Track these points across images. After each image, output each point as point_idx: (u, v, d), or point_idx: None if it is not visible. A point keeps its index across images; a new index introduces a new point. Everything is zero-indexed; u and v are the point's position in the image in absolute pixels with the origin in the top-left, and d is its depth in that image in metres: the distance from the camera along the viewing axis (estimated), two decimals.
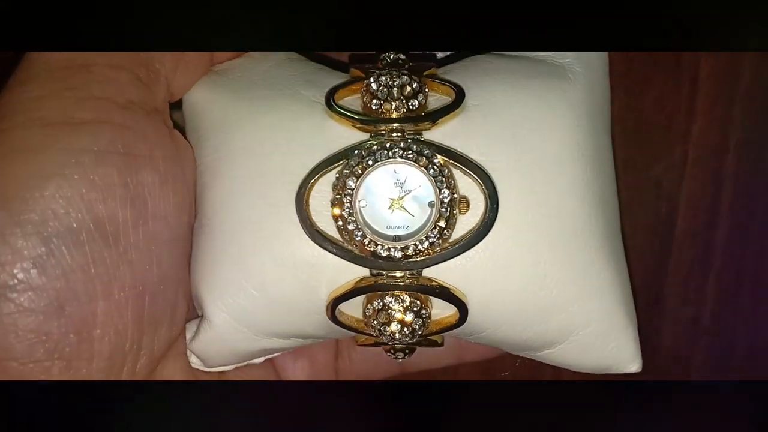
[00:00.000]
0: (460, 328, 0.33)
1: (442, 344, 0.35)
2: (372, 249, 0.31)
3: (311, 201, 0.32)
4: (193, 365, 0.35)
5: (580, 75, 0.34)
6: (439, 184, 0.31)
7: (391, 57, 0.33)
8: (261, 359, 0.37)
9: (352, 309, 0.33)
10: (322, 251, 0.32)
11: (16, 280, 0.28)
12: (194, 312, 0.36)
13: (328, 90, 0.32)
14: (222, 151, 0.33)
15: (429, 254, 0.31)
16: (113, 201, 0.30)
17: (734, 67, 0.44)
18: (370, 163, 0.31)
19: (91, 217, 0.29)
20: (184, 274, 0.34)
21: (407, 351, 0.34)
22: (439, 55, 0.37)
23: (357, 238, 0.31)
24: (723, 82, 0.45)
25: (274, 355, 0.37)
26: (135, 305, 0.31)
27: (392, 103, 0.31)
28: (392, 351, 0.34)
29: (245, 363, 0.36)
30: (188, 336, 0.35)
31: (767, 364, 0.49)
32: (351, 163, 0.31)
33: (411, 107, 0.31)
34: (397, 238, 0.31)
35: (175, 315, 0.34)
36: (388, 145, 0.31)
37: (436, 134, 0.32)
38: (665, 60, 0.45)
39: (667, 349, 0.47)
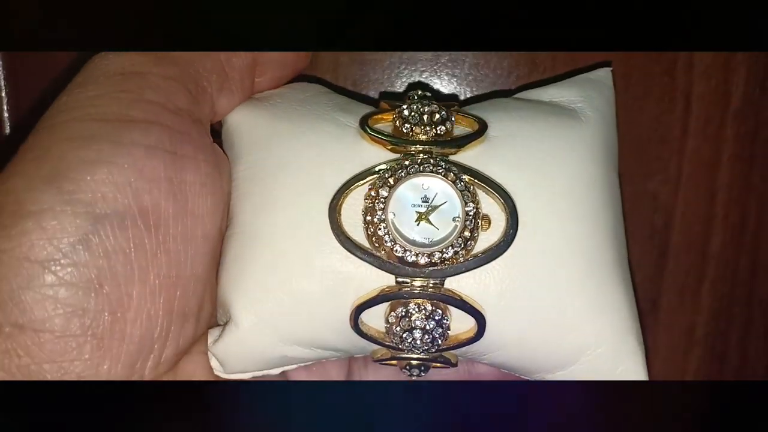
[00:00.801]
0: (476, 344, 0.34)
1: (456, 364, 0.36)
2: (399, 255, 0.33)
3: (343, 212, 0.33)
4: (214, 371, 0.36)
5: (591, 117, 0.37)
6: (465, 197, 0.33)
7: (419, 93, 0.35)
8: (277, 371, 0.37)
9: (374, 320, 0.34)
10: (351, 260, 0.33)
11: (60, 254, 0.29)
12: (217, 320, 0.36)
13: (362, 116, 0.35)
14: (259, 164, 0.35)
15: (453, 263, 0.33)
16: (158, 192, 0.32)
17: (726, 87, 0.48)
18: (402, 175, 0.33)
19: (137, 204, 0.31)
20: (212, 276, 0.35)
21: (422, 368, 0.35)
22: (462, 98, 0.40)
23: (386, 244, 0.33)
24: (715, 101, 0.48)
25: (291, 367, 0.37)
26: (167, 295, 0.32)
27: (422, 127, 0.34)
28: (408, 367, 0.35)
29: (262, 373, 0.37)
30: (211, 340, 0.36)
31: (759, 374, 0.50)
32: (384, 175, 0.33)
33: (439, 132, 0.34)
34: (423, 247, 0.33)
35: (201, 313, 0.35)
36: (419, 161, 0.33)
37: (460, 158, 0.34)
38: (660, 79, 0.48)
39: (662, 358, 0.48)
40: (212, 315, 0.36)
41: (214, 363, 0.36)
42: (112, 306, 0.30)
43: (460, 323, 0.34)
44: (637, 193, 0.48)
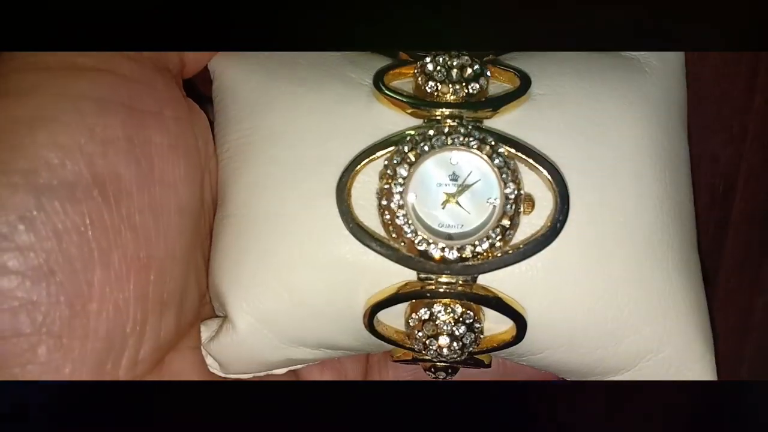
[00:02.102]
0: (515, 347, 0.30)
1: (489, 365, 0.31)
2: (423, 248, 0.27)
3: (353, 192, 0.29)
4: (209, 368, 0.32)
5: (657, 69, 0.32)
6: (504, 177, 0.27)
7: None
8: (283, 370, 0.34)
9: (392, 318, 0.30)
10: (363, 250, 0.28)
11: None
12: (209, 307, 0.33)
13: (376, 71, 0.30)
14: (254, 134, 0.31)
15: (488, 258, 0.28)
16: (116, 156, 0.27)
17: None
18: (426, 149, 0.28)
19: (90, 171, 0.27)
20: (195, 257, 0.31)
21: (450, 370, 0.31)
22: None
23: (407, 235, 0.28)
24: None
25: (299, 366, 0.34)
26: (138, 279, 0.28)
27: (450, 85, 0.28)
28: (432, 369, 0.31)
29: (265, 373, 0.33)
30: (205, 335, 0.32)
31: None
32: (403, 149, 0.28)
33: (471, 91, 0.28)
34: (450, 238, 0.28)
35: (185, 301, 0.31)
36: (446, 130, 0.28)
37: (497, 124, 0.29)
38: None
39: (717, 341, 0.44)
40: (200, 302, 0.32)
41: (209, 360, 0.32)
42: (69, 297, 0.26)
43: (496, 323, 0.29)
44: (695, 154, 0.42)
